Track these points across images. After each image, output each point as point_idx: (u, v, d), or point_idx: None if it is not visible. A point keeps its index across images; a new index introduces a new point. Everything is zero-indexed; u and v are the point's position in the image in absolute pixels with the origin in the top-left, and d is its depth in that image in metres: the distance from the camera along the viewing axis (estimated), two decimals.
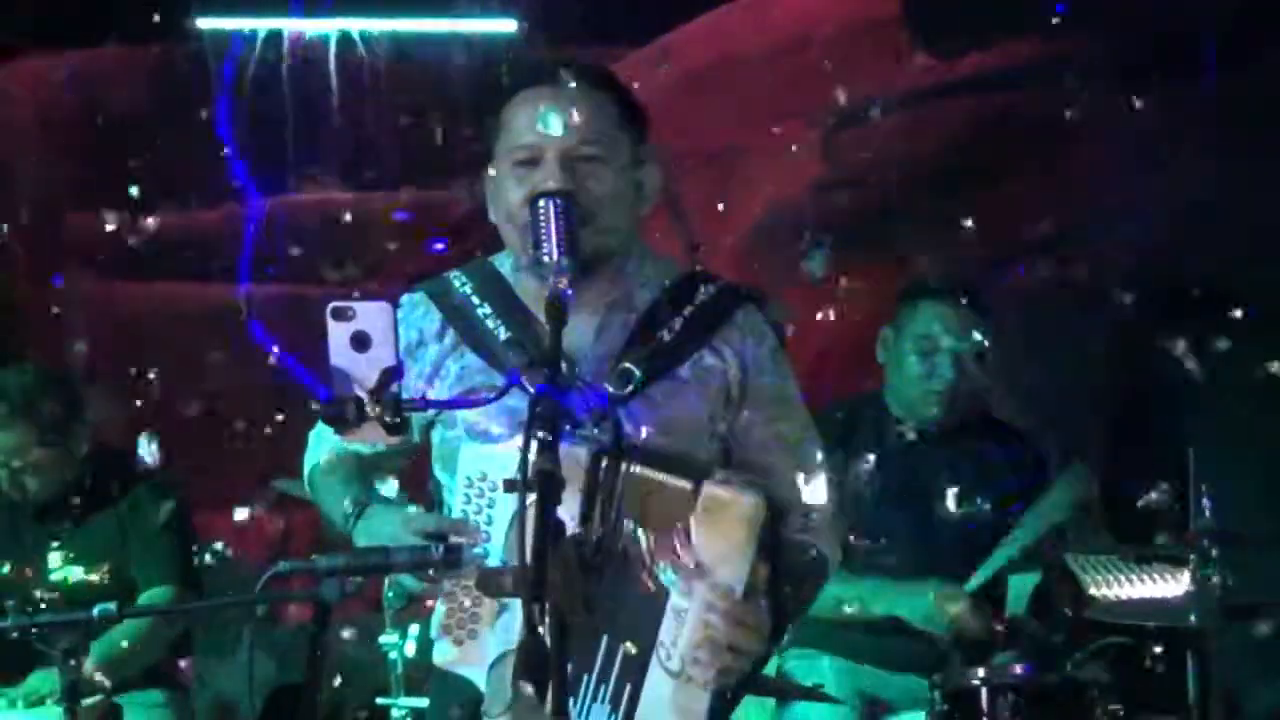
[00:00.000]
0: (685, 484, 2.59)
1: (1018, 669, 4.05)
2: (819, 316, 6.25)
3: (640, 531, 2.58)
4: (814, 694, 4.10)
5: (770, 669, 4.43)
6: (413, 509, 2.77)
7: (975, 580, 4.26)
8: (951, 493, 4.37)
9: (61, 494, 4.55)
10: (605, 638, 2.58)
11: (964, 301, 4.38)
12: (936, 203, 6.43)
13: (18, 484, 4.49)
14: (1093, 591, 4.25)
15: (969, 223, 6.23)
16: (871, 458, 4.39)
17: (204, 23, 7.86)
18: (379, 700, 4.44)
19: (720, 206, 6.87)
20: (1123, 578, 4.22)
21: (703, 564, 2.57)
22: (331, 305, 2.49)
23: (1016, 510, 4.34)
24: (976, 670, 3.99)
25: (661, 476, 2.59)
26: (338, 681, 5.11)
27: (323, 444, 2.99)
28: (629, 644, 2.58)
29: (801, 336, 6.22)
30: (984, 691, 3.95)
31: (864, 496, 4.34)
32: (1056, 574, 4.35)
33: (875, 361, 4.52)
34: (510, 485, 2.40)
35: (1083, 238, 6.43)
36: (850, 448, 4.39)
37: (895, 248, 6.40)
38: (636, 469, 2.59)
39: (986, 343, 4.38)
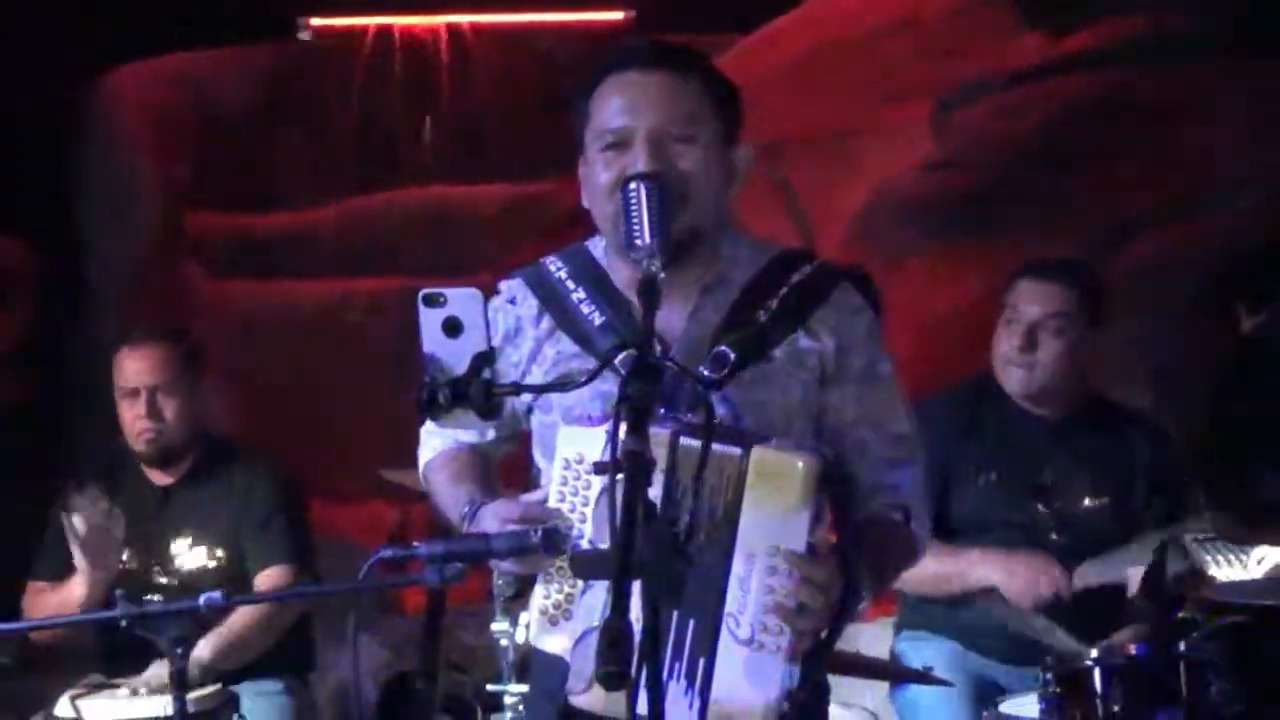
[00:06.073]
0: (735, 450, 2.59)
1: (1131, 649, 4.00)
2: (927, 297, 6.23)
3: (697, 503, 2.57)
4: (924, 676, 4.09)
5: (882, 651, 4.48)
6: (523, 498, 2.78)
7: (1088, 579, 4.22)
8: (1067, 484, 4.33)
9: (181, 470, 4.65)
10: (675, 614, 2.58)
11: (1056, 277, 4.34)
12: (1046, 181, 6.37)
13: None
14: (1210, 571, 4.19)
15: (1079, 200, 6.18)
16: (992, 445, 4.37)
17: (315, 21, 7.95)
18: (489, 687, 4.46)
19: (829, 190, 6.86)
20: (1241, 557, 4.17)
21: (761, 528, 2.56)
22: (423, 292, 2.51)
23: (1138, 505, 4.32)
24: (1089, 651, 3.95)
25: (714, 446, 2.56)
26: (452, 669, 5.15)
27: (434, 438, 3.02)
28: (698, 618, 2.58)
29: (910, 317, 6.20)
30: (1097, 672, 3.91)
31: (981, 483, 4.32)
32: (1172, 553, 4.30)
33: (983, 343, 4.49)
34: (600, 467, 2.42)
35: (1192, 214, 6.35)
36: (974, 428, 4.37)
37: (1005, 228, 6.35)
38: (689, 441, 2.57)
39: (1072, 316, 4.32)
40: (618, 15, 7.90)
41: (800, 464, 2.57)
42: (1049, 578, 4.18)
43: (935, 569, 4.21)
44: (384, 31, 7.98)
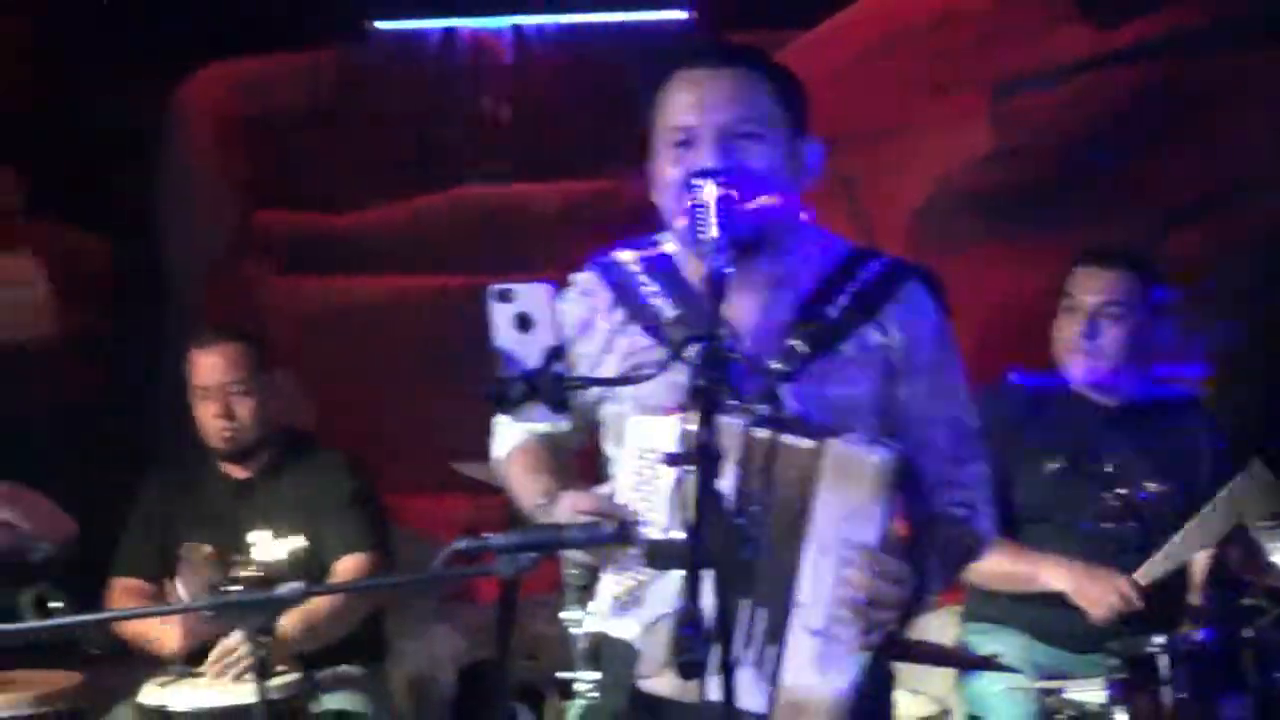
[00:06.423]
0: (810, 443, 2.62)
1: (1197, 635, 4.01)
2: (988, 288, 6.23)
3: (769, 494, 2.61)
4: (990, 664, 4.11)
5: (949, 639, 4.50)
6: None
7: (1154, 571, 4.23)
8: (1130, 471, 4.35)
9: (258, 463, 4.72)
10: (749, 603, 2.62)
11: (1116, 264, 4.37)
12: (1103, 170, 6.38)
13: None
14: (1274, 558, 4.20)
15: (1135, 189, 6.18)
16: (1055, 434, 4.39)
17: (381, 24, 8.03)
18: (560, 675, 4.50)
19: (888, 183, 6.87)
20: None
21: (834, 522, 2.60)
22: (495, 288, 2.53)
23: (1202, 491, 4.31)
24: (1155, 637, 3.97)
25: (786, 438, 2.62)
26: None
27: (507, 429, 3.06)
28: (769, 607, 2.61)
29: (971, 308, 6.21)
30: (1163, 659, 3.91)
31: (1045, 472, 4.35)
32: (1236, 540, 4.32)
33: (1042, 332, 4.52)
34: (671, 459, 2.46)
35: (1248, 201, 6.33)
36: (1035, 416, 4.39)
37: (1063, 217, 6.35)
38: (761, 433, 2.61)
39: (1132, 303, 4.35)
40: (680, 14, 7.93)
41: (875, 459, 2.60)
42: (1119, 592, 4.18)
43: (1004, 568, 4.23)
44: (449, 33, 8.06)
